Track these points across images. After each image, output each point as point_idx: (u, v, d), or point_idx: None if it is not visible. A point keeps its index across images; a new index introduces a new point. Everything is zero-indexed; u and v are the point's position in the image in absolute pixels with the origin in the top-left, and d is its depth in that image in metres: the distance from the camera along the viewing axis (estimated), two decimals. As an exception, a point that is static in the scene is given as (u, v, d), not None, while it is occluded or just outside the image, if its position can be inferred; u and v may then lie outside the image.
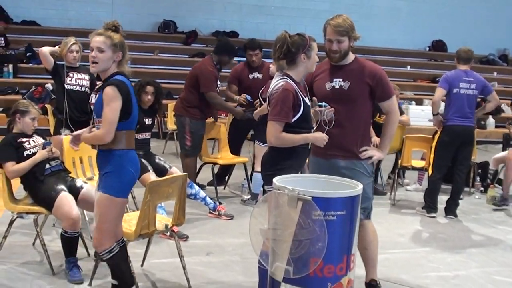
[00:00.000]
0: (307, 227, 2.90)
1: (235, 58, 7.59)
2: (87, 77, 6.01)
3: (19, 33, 12.91)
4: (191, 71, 6.82)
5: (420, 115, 12.68)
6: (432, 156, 6.71)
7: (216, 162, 7.02)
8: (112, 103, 3.42)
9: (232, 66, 7.62)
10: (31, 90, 11.31)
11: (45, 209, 4.32)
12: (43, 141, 4.60)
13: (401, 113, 7.83)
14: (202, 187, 6.64)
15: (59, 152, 4.71)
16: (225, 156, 7.15)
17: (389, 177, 8.24)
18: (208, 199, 6.00)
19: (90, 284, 4.12)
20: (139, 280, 4.08)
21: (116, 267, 3.73)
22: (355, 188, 3.13)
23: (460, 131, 6.45)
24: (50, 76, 6.13)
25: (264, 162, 3.73)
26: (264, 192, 3.66)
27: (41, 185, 4.35)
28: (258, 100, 6.29)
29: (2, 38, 12.19)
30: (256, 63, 7.00)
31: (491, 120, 13.42)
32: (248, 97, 6.86)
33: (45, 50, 5.85)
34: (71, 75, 5.92)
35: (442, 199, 6.80)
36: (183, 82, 7.43)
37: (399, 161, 7.49)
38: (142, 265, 4.54)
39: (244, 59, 7.30)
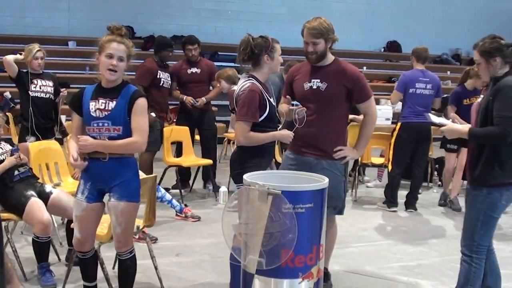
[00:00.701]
0: (278, 220, 3.03)
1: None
2: (51, 83, 6.03)
3: (-27, 40, 12.71)
4: None
5: (378, 114, 12.90)
6: (391, 152, 6.93)
7: (180, 164, 7.10)
8: (146, 113, 3.55)
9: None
10: (-12, 99, 11.15)
11: (15, 215, 4.33)
12: (10, 147, 4.61)
13: (359, 112, 8.05)
14: (166, 190, 6.71)
15: (26, 158, 4.73)
16: (188, 159, 7.23)
17: (349, 175, 8.44)
18: (174, 201, 6.09)
19: (63, 288, 4.16)
20: (113, 282, 4.13)
21: (134, 264, 3.82)
22: (322, 181, 3.27)
23: (416, 127, 6.66)
24: (9, 84, 6.13)
25: (233, 161, 3.85)
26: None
27: (11, 191, 4.35)
28: (201, 99, 7.02)
29: (-44, 47, 11.98)
30: (195, 57, 7.36)
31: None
32: (196, 103, 7.18)
33: (10, 58, 5.84)
34: (35, 82, 5.92)
35: (402, 194, 7.04)
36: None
37: (359, 159, 7.69)
38: (113, 267, 4.58)
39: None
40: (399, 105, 7.06)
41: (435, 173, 8.28)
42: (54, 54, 11.28)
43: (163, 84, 7.04)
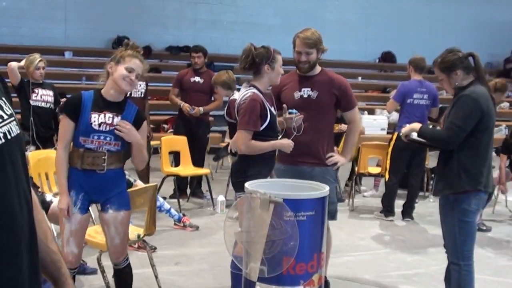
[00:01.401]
0: (279, 227, 3.05)
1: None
2: (51, 93, 6.08)
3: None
4: None
5: (373, 125, 13.04)
6: (388, 162, 6.98)
7: (178, 174, 7.12)
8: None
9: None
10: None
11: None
12: None
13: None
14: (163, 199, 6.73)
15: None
16: (186, 169, 7.26)
17: (346, 185, 8.48)
18: (173, 210, 6.10)
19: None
20: (112, 291, 4.15)
21: (131, 270, 3.83)
22: (323, 190, 3.30)
23: (413, 137, 6.70)
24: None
25: (235, 170, 3.88)
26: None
27: None
28: (198, 109, 7.10)
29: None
30: (198, 65, 7.42)
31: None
32: (192, 111, 7.22)
33: (14, 65, 5.88)
34: (36, 91, 5.97)
35: (399, 203, 7.08)
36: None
37: (356, 169, 7.74)
38: (113, 276, 4.59)
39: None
40: (394, 115, 7.11)
41: (431, 182, 8.32)
42: (51, 64, 11.27)
43: (131, 93, 6.97)
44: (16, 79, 5.91)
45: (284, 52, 4.04)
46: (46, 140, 6.02)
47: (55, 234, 5.16)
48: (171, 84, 7.94)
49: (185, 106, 7.27)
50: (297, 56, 4.11)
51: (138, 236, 4.14)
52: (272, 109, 3.87)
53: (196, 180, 7.65)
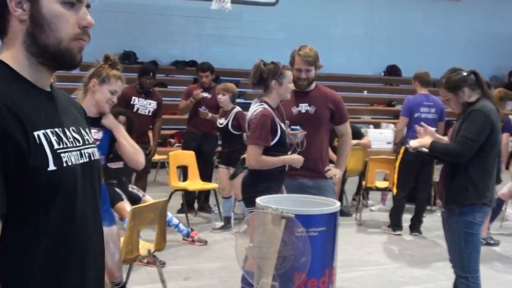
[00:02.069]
0: (291, 243, 3.06)
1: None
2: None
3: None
4: None
5: (379, 138, 13.00)
6: (396, 176, 6.98)
7: (186, 189, 7.13)
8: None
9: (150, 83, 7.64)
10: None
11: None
12: None
13: (362, 136, 8.14)
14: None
15: None
16: (194, 183, 7.27)
17: (353, 199, 8.48)
18: (181, 225, 6.10)
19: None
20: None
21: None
22: (333, 205, 3.32)
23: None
24: None
25: (245, 185, 3.90)
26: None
27: None
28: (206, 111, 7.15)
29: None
30: (206, 84, 7.52)
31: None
32: (202, 109, 7.26)
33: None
34: None
35: (407, 218, 7.07)
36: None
37: (363, 183, 7.73)
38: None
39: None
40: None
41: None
42: (58, 79, 11.37)
43: (138, 110, 7.03)
44: None
45: (289, 67, 4.10)
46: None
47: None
48: (177, 99, 8.01)
49: (197, 93, 7.32)
50: (297, 73, 4.20)
51: (149, 251, 4.15)
52: (283, 125, 3.90)
53: (204, 195, 7.66)
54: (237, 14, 13.05)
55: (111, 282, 3.73)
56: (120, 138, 3.51)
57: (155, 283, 4.47)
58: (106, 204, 3.60)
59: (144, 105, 7.19)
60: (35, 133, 1.33)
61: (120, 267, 3.69)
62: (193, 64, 14.56)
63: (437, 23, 16.78)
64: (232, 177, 5.04)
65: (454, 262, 3.78)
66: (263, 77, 3.86)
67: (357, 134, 7.60)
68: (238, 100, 7.21)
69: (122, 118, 5.75)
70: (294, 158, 3.88)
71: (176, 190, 7.06)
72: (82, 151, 1.47)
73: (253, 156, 3.75)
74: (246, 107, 4.82)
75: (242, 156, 4.36)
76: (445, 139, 4.11)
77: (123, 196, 5.55)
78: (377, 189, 7.83)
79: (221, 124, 6.74)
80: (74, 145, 1.45)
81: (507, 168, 7.07)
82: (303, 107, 4.27)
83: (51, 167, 1.34)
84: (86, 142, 1.51)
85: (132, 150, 3.55)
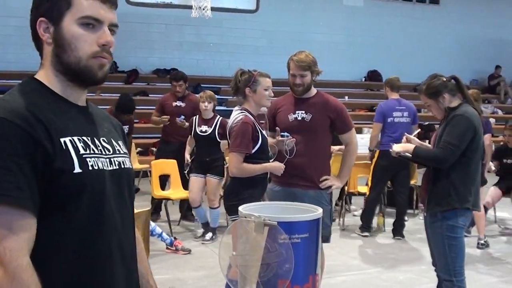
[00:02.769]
0: (274, 250, 3.06)
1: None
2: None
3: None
4: None
5: (361, 143, 12.77)
6: (370, 179, 7.05)
7: (169, 197, 7.10)
8: None
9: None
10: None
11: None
12: None
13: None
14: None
15: None
16: (177, 192, 7.24)
17: (336, 204, 8.50)
18: (164, 234, 6.07)
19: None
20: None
21: None
22: (316, 212, 3.32)
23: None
24: None
25: (228, 193, 3.90)
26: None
27: None
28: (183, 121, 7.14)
29: None
30: (180, 93, 7.59)
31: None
32: (180, 118, 7.31)
33: None
34: None
35: (389, 222, 7.11)
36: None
37: (345, 188, 7.76)
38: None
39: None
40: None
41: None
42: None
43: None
44: None
45: (271, 73, 4.09)
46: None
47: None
48: (158, 107, 7.97)
49: (164, 118, 7.42)
50: (292, 79, 4.15)
51: (132, 261, 4.12)
52: (264, 132, 3.90)
53: (187, 203, 7.60)
54: (217, 21, 13.04)
55: None
56: None
57: (138, 293, 4.43)
58: None
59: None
60: (62, 139, 1.47)
61: None
62: (174, 71, 14.54)
63: (417, 28, 16.94)
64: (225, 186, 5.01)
65: (439, 266, 3.80)
66: (238, 85, 3.90)
67: (335, 140, 7.63)
68: (220, 108, 7.23)
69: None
70: (275, 166, 3.88)
71: (158, 199, 7.03)
72: (112, 159, 1.60)
73: (235, 164, 3.75)
74: (227, 115, 4.81)
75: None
76: (427, 144, 4.15)
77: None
78: (359, 194, 7.87)
79: (204, 132, 6.67)
80: (103, 153, 1.58)
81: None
82: (300, 114, 4.16)
83: (77, 169, 1.47)
84: (117, 152, 1.65)
85: None
